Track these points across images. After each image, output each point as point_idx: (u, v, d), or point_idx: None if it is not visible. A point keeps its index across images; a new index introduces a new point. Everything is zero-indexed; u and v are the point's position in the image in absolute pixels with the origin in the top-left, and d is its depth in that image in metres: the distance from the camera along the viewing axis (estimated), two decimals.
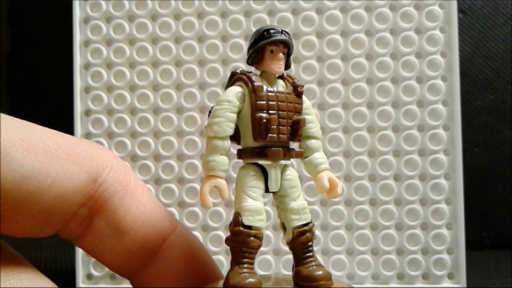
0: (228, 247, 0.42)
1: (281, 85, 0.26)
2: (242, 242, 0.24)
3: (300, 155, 0.26)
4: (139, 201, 0.23)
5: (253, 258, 0.24)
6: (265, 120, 0.25)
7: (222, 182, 0.24)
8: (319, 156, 0.27)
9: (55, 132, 0.21)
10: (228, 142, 0.25)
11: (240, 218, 0.24)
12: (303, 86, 0.26)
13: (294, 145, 0.27)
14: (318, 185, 0.26)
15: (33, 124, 0.21)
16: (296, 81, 0.26)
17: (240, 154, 0.26)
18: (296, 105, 0.26)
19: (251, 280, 0.23)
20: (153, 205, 0.24)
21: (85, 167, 0.21)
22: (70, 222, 0.22)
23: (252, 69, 0.26)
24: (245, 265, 0.24)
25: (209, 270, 0.26)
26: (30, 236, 0.22)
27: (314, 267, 0.25)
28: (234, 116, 0.25)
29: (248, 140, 0.25)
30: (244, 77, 0.25)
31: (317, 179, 0.26)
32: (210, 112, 0.25)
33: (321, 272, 0.24)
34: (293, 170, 0.26)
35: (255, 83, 0.25)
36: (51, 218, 0.21)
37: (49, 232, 0.22)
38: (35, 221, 0.21)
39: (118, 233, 0.23)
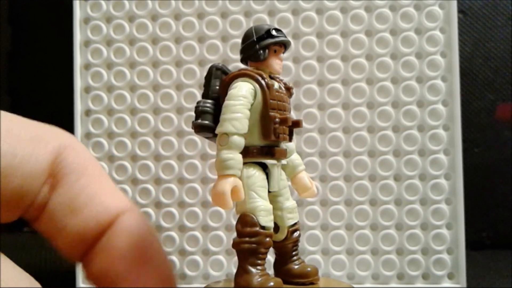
0: (227, 247, 0.42)
1: (277, 85, 0.26)
2: (260, 243, 0.23)
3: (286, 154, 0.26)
4: (96, 181, 0.23)
5: (265, 258, 0.24)
6: (278, 119, 0.24)
7: (240, 182, 0.23)
8: (296, 158, 0.27)
9: (18, 116, 0.22)
10: (244, 140, 0.24)
11: (255, 218, 0.23)
12: (293, 88, 0.27)
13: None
14: (300, 184, 0.26)
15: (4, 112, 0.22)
16: (285, 82, 0.27)
17: (246, 152, 0.25)
18: (288, 105, 0.26)
19: (271, 283, 0.23)
20: (110, 186, 0.24)
21: (48, 147, 0.22)
22: (32, 203, 0.23)
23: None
24: (260, 267, 0.23)
25: (156, 253, 0.25)
26: None
27: (302, 264, 0.26)
28: (249, 112, 0.24)
29: (254, 138, 0.25)
30: (252, 74, 0.25)
31: (298, 179, 0.26)
32: (198, 106, 0.25)
33: (310, 268, 0.25)
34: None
35: (267, 81, 0.25)
36: (19, 199, 0.22)
37: (16, 215, 0.22)
38: (4, 203, 0.21)
39: (71, 210, 0.23)
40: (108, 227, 0.24)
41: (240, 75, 0.25)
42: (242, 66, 0.27)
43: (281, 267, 0.25)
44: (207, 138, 0.26)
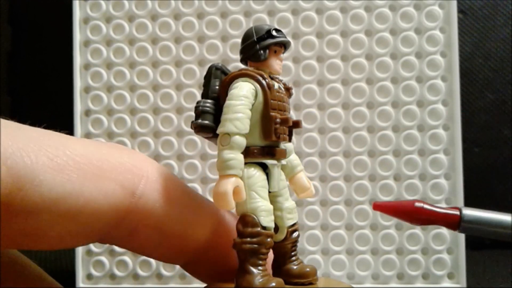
0: None
1: (277, 85, 0.26)
2: (262, 243, 0.23)
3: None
4: (180, 205, 0.23)
5: (266, 259, 0.24)
6: (279, 120, 0.24)
7: (242, 182, 0.23)
8: (294, 158, 0.27)
9: (83, 142, 0.20)
10: (245, 140, 0.24)
11: (256, 219, 0.23)
12: (292, 88, 0.27)
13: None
14: (298, 185, 0.26)
15: (57, 134, 0.20)
16: (285, 82, 0.26)
17: (247, 152, 0.24)
18: (287, 105, 0.26)
19: (273, 284, 0.23)
20: (193, 203, 0.24)
21: (120, 182, 0.20)
22: (112, 234, 0.21)
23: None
24: (261, 267, 0.23)
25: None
26: (66, 248, 0.21)
27: (301, 264, 0.25)
28: (250, 113, 0.24)
29: (255, 139, 0.24)
30: (253, 74, 0.25)
31: (296, 180, 0.26)
32: (198, 106, 0.25)
33: (308, 268, 0.25)
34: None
35: (268, 81, 0.25)
36: (88, 233, 0.20)
37: (87, 243, 0.22)
38: (70, 236, 0.20)
39: (165, 238, 0.22)
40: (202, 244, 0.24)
41: (241, 75, 0.25)
42: (241, 66, 0.27)
43: (279, 267, 0.25)
44: (207, 138, 0.26)
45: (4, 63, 0.65)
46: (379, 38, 0.42)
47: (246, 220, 0.23)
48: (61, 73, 0.50)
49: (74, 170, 0.18)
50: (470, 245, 0.46)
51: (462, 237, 0.41)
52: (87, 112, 0.44)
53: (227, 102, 0.24)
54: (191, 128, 0.25)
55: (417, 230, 0.42)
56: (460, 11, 0.59)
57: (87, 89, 0.44)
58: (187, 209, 0.23)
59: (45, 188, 0.17)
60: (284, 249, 0.25)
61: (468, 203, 0.42)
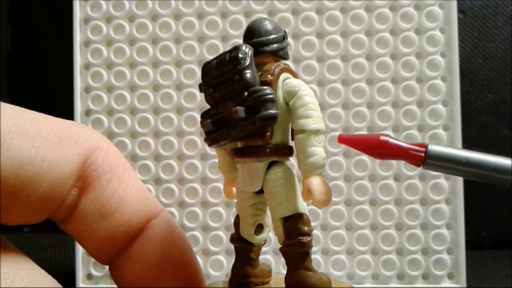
0: (227, 247, 0.42)
1: None
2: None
3: None
4: (126, 184, 0.23)
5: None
6: None
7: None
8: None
9: (45, 116, 0.21)
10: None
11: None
12: None
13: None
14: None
15: (25, 110, 0.21)
16: None
17: (289, 151, 0.23)
18: None
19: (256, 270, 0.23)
20: (139, 188, 0.24)
21: (77, 150, 0.21)
22: (60, 205, 0.22)
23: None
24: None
25: (187, 259, 0.25)
26: (25, 223, 0.22)
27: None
28: None
29: (286, 137, 0.23)
30: (292, 71, 0.23)
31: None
32: (259, 93, 0.22)
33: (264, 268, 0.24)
34: None
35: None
36: (47, 203, 0.21)
37: (43, 218, 0.22)
38: (32, 207, 0.20)
39: (102, 215, 0.22)
40: (139, 232, 0.23)
41: (284, 69, 0.23)
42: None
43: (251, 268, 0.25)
44: (223, 143, 0.23)
45: (4, 63, 0.65)
46: (379, 38, 0.42)
47: (304, 218, 0.22)
48: (61, 73, 0.50)
49: (38, 137, 0.20)
50: (470, 245, 0.46)
51: (462, 237, 0.41)
52: (87, 112, 0.44)
53: (309, 98, 0.23)
54: (256, 122, 0.22)
55: (417, 230, 0.42)
56: (460, 11, 0.59)
57: (87, 89, 0.44)
58: (130, 191, 0.23)
59: (13, 151, 0.19)
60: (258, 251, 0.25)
61: (468, 203, 0.42)
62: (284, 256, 0.22)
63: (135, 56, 0.44)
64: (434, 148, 0.21)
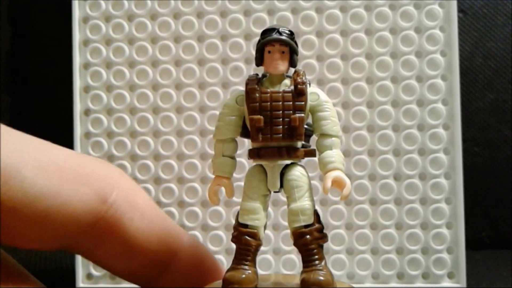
0: (227, 247, 0.42)
1: (284, 85, 0.26)
2: (237, 239, 0.25)
3: (310, 153, 0.26)
4: (149, 219, 0.23)
5: (249, 256, 0.24)
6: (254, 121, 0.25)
7: (225, 182, 0.25)
8: (329, 155, 0.26)
9: (64, 150, 0.21)
10: (230, 145, 0.26)
11: (237, 216, 0.25)
12: (303, 83, 0.25)
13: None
14: (322, 185, 0.26)
15: (43, 141, 0.21)
16: (299, 78, 0.25)
17: (248, 154, 0.26)
18: (296, 103, 0.25)
19: (242, 276, 0.23)
20: (161, 220, 0.25)
21: (94, 188, 0.21)
22: (79, 241, 0.22)
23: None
24: (242, 262, 0.24)
25: (218, 276, 0.26)
26: (36, 249, 0.22)
27: (314, 271, 0.24)
28: (233, 119, 0.25)
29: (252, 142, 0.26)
30: (246, 81, 0.26)
31: (324, 179, 0.26)
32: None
33: (322, 277, 0.23)
34: (301, 169, 0.26)
35: (248, 86, 0.25)
36: (60, 235, 0.21)
37: (56, 248, 0.22)
38: (45, 237, 0.21)
39: (130, 252, 0.23)
40: (168, 261, 0.25)
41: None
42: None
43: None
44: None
45: (4, 63, 0.65)
46: (379, 37, 0.42)
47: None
48: (61, 72, 0.50)
49: (54, 171, 0.20)
50: (470, 244, 0.46)
51: (462, 236, 0.41)
52: (87, 112, 0.44)
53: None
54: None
55: (417, 229, 0.42)
56: (460, 10, 0.59)
57: (86, 89, 0.44)
58: (154, 224, 0.24)
59: (28, 184, 0.19)
60: (299, 253, 0.25)
61: (468, 202, 0.42)
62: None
63: (134, 55, 0.43)
64: None
